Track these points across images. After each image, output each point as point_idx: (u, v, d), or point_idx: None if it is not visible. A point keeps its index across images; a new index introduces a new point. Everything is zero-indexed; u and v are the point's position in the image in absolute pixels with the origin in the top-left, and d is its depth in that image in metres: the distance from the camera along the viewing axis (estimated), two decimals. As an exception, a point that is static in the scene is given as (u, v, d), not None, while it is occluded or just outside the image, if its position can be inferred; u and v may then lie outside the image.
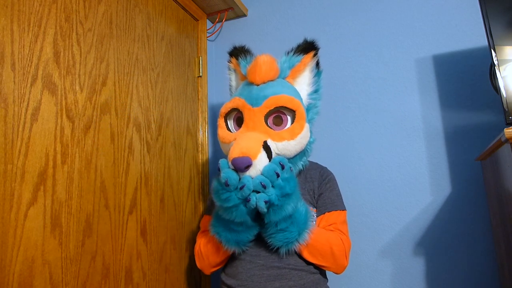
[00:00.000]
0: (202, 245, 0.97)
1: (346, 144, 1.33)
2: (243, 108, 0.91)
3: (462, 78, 1.22)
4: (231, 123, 0.97)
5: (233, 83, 1.09)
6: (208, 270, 0.98)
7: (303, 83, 0.98)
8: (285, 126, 0.90)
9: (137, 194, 1.02)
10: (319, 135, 1.37)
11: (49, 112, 0.79)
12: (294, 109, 0.90)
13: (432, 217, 1.19)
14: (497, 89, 0.89)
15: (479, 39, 1.20)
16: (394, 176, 1.25)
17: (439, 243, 1.17)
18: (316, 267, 0.94)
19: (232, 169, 0.81)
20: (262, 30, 1.56)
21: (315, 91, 0.99)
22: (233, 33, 1.61)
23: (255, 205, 0.78)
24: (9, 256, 0.68)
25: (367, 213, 1.26)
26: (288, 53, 0.99)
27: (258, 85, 0.93)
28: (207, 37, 1.54)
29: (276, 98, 0.89)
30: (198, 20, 1.49)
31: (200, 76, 1.42)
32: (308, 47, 0.98)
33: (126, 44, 1.05)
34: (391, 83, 1.30)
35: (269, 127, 0.90)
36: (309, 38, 0.99)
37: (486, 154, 0.98)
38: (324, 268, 0.93)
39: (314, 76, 1.00)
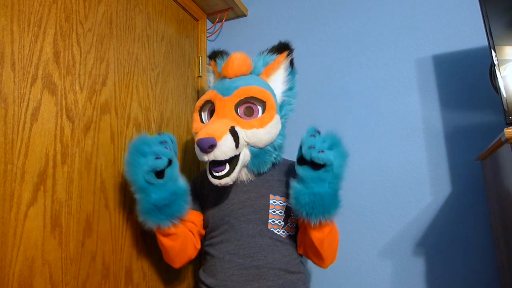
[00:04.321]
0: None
1: (346, 144, 1.32)
2: (215, 99, 0.94)
3: (462, 78, 1.22)
4: (205, 116, 0.99)
5: (211, 85, 1.12)
6: (174, 264, 0.97)
7: (277, 81, 1.01)
8: (256, 116, 0.92)
9: (137, 194, 1.02)
10: (319, 135, 1.37)
11: (49, 112, 0.79)
12: (264, 100, 0.92)
13: (432, 217, 1.19)
14: (497, 89, 0.89)
15: (479, 39, 1.20)
16: (394, 176, 1.25)
17: (439, 243, 1.17)
18: (296, 265, 0.94)
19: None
20: (262, 30, 1.56)
21: (290, 89, 1.02)
22: (233, 33, 1.61)
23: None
24: (9, 256, 0.68)
25: (367, 213, 1.26)
26: (262, 52, 1.02)
27: (230, 78, 0.96)
28: (207, 37, 1.54)
29: (247, 88, 0.92)
30: (198, 20, 1.49)
31: (200, 76, 1.42)
32: (282, 47, 1.02)
33: (126, 44, 1.05)
34: (391, 83, 1.30)
35: (240, 116, 0.92)
36: (283, 40, 1.03)
37: (486, 154, 0.98)
38: (316, 262, 0.94)
39: (288, 74, 1.02)
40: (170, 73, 1.25)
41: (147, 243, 1.04)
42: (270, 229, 0.93)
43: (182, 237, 0.92)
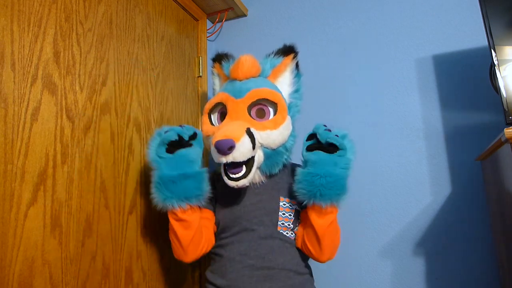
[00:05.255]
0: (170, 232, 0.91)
1: (346, 144, 1.33)
2: (227, 101, 0.95)
3: (462, 78, 1.22)
4: (214, 118, 1.00)
5: (217, 87, 1.12)
6: (186, 257, 0.91)
7: (284, 83, 1.02)
8: (268, 118, 0.93)
9: (137, 194, 1.02)
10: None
11: (49, 112, 0.79)
12: (276, 102, 0.93)
13: (432, 217, 1.19)
14: (497, 89, 0.89)
15: (479, 39, 1.20)
16: (394, 176, 1.25)
17: (439, 243, 1.17)
18: (304, 267, 0.95)
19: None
20: (262, 30, 1.56)
21: (296, 91, 1.03)
22: (233, 33, 1.61)
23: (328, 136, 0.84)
24: (9, 256, 0.68)
25: (367, 213, 1.26)
26: (269, 55, 1.03)
27: (241, 80, 0.97)
28: (207, 37, 1.54)
29: (258, 90, 0.93)
30: (198, 20, 1.49)
31: (200, 76, 1.42)
32: (288, 50, 1.03)
33: (126, 44, 1.05)
34: (391, 83, 1.30)
35: (252, 118, 0.93)
36: (288, 43, 1.04)
37: (486, 154, 0.98)
38: (314, 254, 0.91)
39: (295, 77, 1.03)
40: (170, 73, 1.25)
41: (147, 244, 1.04)
42: (280, 231, 0.93)
43: (196, 228, 0.88)
